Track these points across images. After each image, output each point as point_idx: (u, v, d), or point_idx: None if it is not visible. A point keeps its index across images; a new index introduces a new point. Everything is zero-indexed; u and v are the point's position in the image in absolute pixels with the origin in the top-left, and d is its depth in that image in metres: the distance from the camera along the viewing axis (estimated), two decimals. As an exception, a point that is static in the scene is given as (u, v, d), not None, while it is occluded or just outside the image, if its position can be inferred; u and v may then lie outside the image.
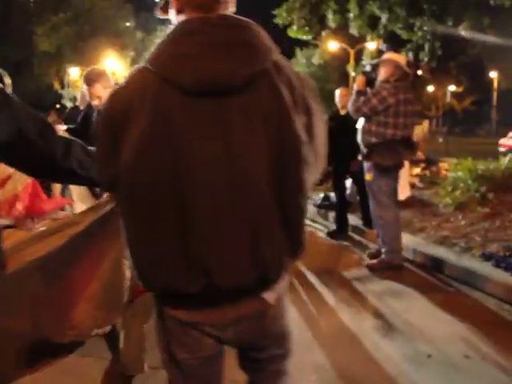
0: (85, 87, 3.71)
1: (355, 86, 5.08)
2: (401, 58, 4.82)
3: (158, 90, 1.26)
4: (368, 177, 4.92)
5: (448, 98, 29.04)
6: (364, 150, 4.92)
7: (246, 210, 1.29)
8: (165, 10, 1.45)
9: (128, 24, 30.51)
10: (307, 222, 7.43)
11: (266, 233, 1.32)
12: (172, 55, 1.28)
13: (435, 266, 4.94)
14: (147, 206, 1.29)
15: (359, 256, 5.54)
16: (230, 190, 1.27)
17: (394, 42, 10.34)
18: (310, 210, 7.83)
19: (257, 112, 1.28)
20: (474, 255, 4.84)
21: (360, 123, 4.96)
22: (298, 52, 30.18)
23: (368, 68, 5.06)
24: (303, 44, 26.35)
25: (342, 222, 6.45)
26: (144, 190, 1.28)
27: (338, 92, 6.24)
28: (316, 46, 12.92)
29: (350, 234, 6.47)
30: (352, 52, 24.46)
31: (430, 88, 40.82)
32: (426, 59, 10.29)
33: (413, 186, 8.86)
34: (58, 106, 28.13)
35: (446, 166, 10.02)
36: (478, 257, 4.78)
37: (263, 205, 1.30)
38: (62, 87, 32.14)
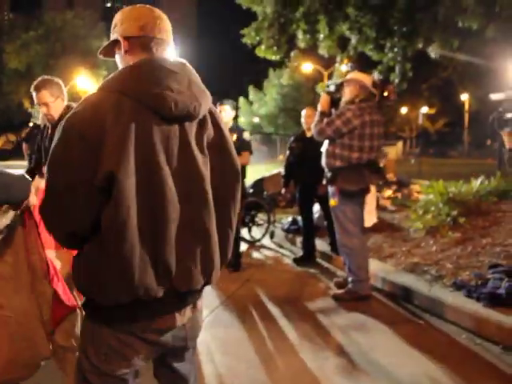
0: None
1: (319, 107, 4.86)
2: (366, 78, 4.61)
3: (134, 110, 1.43)
4: (332, 202, 4.66)
5: (420, 120, 29.32)
6: (328, 174, 4.67)
7: (200, 220, 1.55)
8: (108, 52, 1.71)
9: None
10: (274, 246, 7.18)
11: (213, 244, 1.60)
12: (152, 85, 1.47)
13: (405, 295, 4.68)
14: (130, 211, 1.40)
15: (326, 285, 5.26)
16: (190, 202, 1.52)
17: (364, 63, 10.23)
18: (278, 234, 7.56)
19: (205, 140, 1.63)
20: (445, 284, 4.59)
21: (324, 146, 4.72)
22: (271, 72, 30.12)
23: (332, 88, 4.83)
24: (276, 65, 26.39)
25: (308, 247, 6.18)
26: (128, 193, 1.39)
27: (303, 112, 6.01)
28: (286, 66, 12.76)
29: (318, 260, 6.20)
30: (326, 73, 24.52)
31: (404, 109, 41.30)
32: (396, 81, 10.20)
33: (384, 208, 8.68)
34: (30, 124, 27.51)
35: (417, 188, 9.86)
36: (449, 286, 4.53)
37: (211, 217, 1.58)
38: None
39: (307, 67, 25.72)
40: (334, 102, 4.79)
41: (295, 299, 4.77)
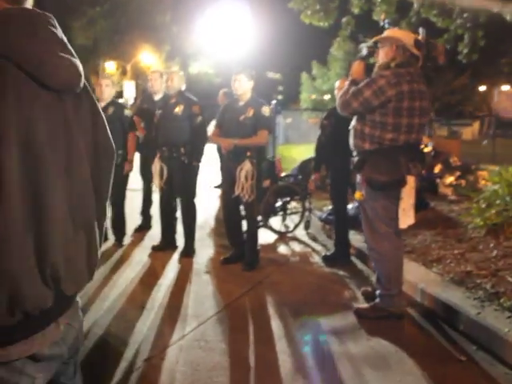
0: None
1: (350, 75, 3.88)
2: (406, 36, 3.56)
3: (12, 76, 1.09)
4: (358, 195, 3.69)
5: (496, 98, 26.85)
6: (355, 158, 3.70)
7: (83, 212, 1.29)
8: None
9: (165, 18, 29.80)
10: (306, 239, 6.25)
11: (95, 239, 1.33)
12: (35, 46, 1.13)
13: (448, 317, 3.67)
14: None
15: (352, 294, 4.31)
16: (71, 188, 1.24)
17: (428, 32, 8.91)
18: (314, 225, 6.62)
19: (81, 117, 1.28)
20: (502, 306, 3.54)
21: (352, 123, 3.75)
22: (336, 45, 28.38)
23: (364, 51, 3.83)
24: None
25: (341, 244, 5.22)
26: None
27: (336, 84, 5.01)
28: (337, 35, 11.42)
29: (353, 259, 5.23)
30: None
31: (482, 88, 38.42)
32: (465, 51, 8.86)
33: (443, 197, 7.52)
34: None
35: (485, 174, 8.53)
36: (507, 308, 3.49)
37: (92, 208, 1.32)
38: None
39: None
40: (371, 70, 3.79)
41: (308, 312, 3.86)
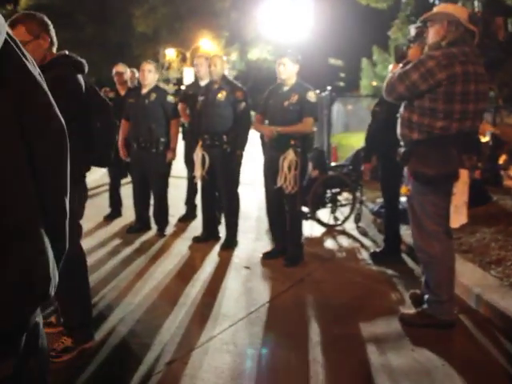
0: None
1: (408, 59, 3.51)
2: (459, 11, 3.15)
3: None
4: (404, 190, 3.35)
5: None
6: (401, 149, 3.35)
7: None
8: None
9: (223, 4, 29.66)
10: (356, 233, 5.91)
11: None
12: None
13: (506, 328, 3.28)
14: None
15: (399, 296, 3.96)
16: None
17: (497, 9, 8.22)
18: (365, 218, 6.26)
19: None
20: None
21: (400, 110, 3.39)
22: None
23: (412, 32, 3.45)
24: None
25: (391, 239, 4.86)
26: None
27: (390, 67, 4.61)
28: (394, 18, 10.74)
29: (404, 256, 4.86)
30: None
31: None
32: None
33: (508, 191, 6.94)
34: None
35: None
36: None
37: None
38: (162, 68, 32.14)
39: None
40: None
41: (349, 316, 3.57)
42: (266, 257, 4.84)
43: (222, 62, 5.03)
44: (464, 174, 3.12)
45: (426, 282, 3.41)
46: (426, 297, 3.40)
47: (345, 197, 6.55)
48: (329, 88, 10.56)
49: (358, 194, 6.22)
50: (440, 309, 3.31)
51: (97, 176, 8.34)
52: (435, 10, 3.23)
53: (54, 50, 2.86)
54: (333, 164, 6.88)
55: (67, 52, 2.92)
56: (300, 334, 3.30)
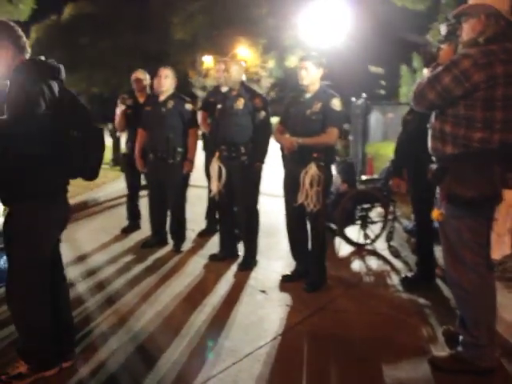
0: None
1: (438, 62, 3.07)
2: (500, 2, 2.67)
3: None
4: (436, 214, 2.88)
5: None
6: (433, 166, 2.89)
7: None
8: None
9: (261, 10, 29.40)
10: (387, 254, 5.41)
11: None
12: None
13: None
14: None
15: (430, 332, 3.48)
16: None
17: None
18: (399, 236, 5.77)
19: None
20: None
21: (431, 120, 2.94)
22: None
23: (443, 31, 3.00)
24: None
25: (424, 263, 4.37)
26: None
27: (424, 72, 4.15)
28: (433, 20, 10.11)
29: (439, 283, 4.36)
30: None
31: None
32: None
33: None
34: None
35: None
36: None
37: None
38: (200, 75, 32.18)
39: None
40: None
41: (371, 355, 3.11)
42: (286, 280, 4.43)
43: (238, 68, 4.67)
44: (509, 196, 2.64)
45: (462, 320, 2.93)
46: (462, 338, 2.93)
47: (377, 213, 6.06)
48: (364, 96, 10.07)
49: (390, 211, 5.73)
50: (478, 353, 2.83)
51: (117, 187, 8.12)
52: (471, 2, 2.77)
53: (27, 55, 2.67)
54: (363, 177, 6.40)
55: (42, 57, 2.68)
56: (313, 375, 2.88)
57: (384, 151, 14.24)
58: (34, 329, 2.71)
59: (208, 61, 31.39)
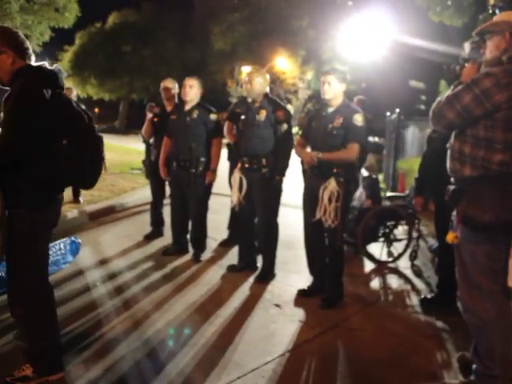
0: None
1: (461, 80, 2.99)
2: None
3: None
4: (451, 237, 2.78)
5: None
6: (451, 187, 2.80)
7: None
8: None
9: (301, 22, 29.47)
10: (409, 273, 5.28)
11: None
12: None
13: None
14: None
15: (446, 357, 3.36)
16: None
17: None
18: (424, 255, 5.64)
19: None
20: None
21: (450, 140, 2.85)
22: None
23: (467, 49, 2.91)
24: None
25: (445, 285, 4.24)
26: None
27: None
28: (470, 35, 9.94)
29: (460, 305, 4.21)
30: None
31: None
32: None
33: None
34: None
35: None
36: None
37: None
38: (237, 85, 32.46)
39: None
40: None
41: (381, 378, 3.03)
42: (301, 294, 4.37)
43: (262, 80, 4.66)
44: (527, 222, 2.53)
45: (476, 348, 2.82)
46: (475, 367, 2.82)
47: (402, 230, 5.94)
48: (397, 111, 9.93)
49: (415, 228, 5.60)
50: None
51: (145, 193, 8.20)
52: (495, 18, 2.69)
53: (30, 61, 2.71)
54: (389, 194, 6.29)
55: (41, 63, 2.74)
56: None
57: (418, 167, 13.99)
58: (38, 332, 2.74)
59: (246, 71, 31.65)
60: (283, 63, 30.41)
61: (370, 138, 10.18)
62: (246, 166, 4.69)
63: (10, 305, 2.71)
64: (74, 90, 8.02)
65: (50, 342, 2.77)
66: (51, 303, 2.80)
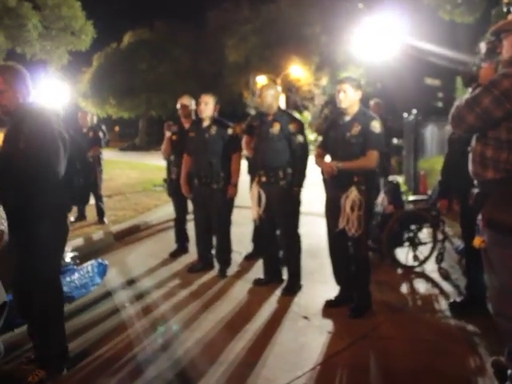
0: None
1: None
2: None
3: None
4: (478, 241, 2.75)
5: None
6: (475, 190, 2.77)
7: None
8: None
9: (314, 28, 29.47)
10: (436, 276, 5.21)
11: None
12: None
13: None
14: None
15: (479, 362, 3.31)
16: None
17: None
18: (450, 256, 5.57)
19: None
20: None
21: (472, 143, 2.83)
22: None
23: (483, 49, 2.88)
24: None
25: (474, 287, 4.18)
26: None
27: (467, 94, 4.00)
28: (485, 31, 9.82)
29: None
30: None
31: None
32: None
33: None
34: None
35: None
36: None
37: None
38: (253, 95, 32.57)
39: None
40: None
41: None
42: (329, 305, 4.35)
43: (274, 93, 4.67)
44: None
45: (510, 353, 2.77)
46: (510, 372, 2.77)
47: (427, 234, 5.87)
48: (414, 112, 9.85)
49: (440, 231, 5.54)
50: (526, 389, 2.66)
51: (168, 210, 8.27)
52: (511, 17, 2.66)
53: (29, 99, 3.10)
54: (411, 198, 6.23)
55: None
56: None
57: (439, 166, 13.77)
58: (56, 334, 3.14)
59: (261, 81, 31.73)
60: (298, 71, 30.38)
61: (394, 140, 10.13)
62: (264, 179, 4.70)
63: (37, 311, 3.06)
64: (89, 113, 8.16)
65: (62, 343, 3.20)
66: (61, 305, 3.24)
